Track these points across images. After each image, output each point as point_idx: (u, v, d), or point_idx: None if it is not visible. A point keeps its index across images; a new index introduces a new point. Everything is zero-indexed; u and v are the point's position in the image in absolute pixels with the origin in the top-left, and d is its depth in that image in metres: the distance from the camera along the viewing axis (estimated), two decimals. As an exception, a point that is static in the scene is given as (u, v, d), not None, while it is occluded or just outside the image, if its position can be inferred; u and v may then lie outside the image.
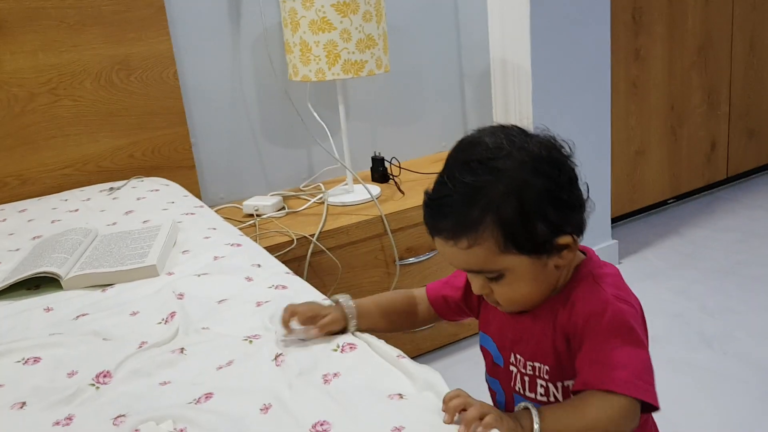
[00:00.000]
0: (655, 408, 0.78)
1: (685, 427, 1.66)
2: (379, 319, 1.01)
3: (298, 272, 1.79)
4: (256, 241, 1.75)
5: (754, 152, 3.25)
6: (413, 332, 1.99)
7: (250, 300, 1.09)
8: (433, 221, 0.84)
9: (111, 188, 1.79)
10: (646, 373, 0.78)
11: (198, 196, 2.06)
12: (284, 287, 1.14)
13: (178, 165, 2.03)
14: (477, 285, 0.87)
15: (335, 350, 0.91)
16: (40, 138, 1.85)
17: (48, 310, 1.13)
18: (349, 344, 0.92)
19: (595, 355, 0.79)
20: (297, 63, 1.89)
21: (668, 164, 2.98)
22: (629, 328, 0.80)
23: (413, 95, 2.43)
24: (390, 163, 2.20)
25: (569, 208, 0.83)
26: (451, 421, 0.74)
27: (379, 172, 2.17)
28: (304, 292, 1.12)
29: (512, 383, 0.92)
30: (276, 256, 1.63)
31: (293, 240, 1.78)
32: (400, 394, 0.80)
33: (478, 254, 0.81)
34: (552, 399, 0.88)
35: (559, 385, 0.88)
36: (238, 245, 1.35)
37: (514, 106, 2.27)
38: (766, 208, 2.96)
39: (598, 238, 2.49)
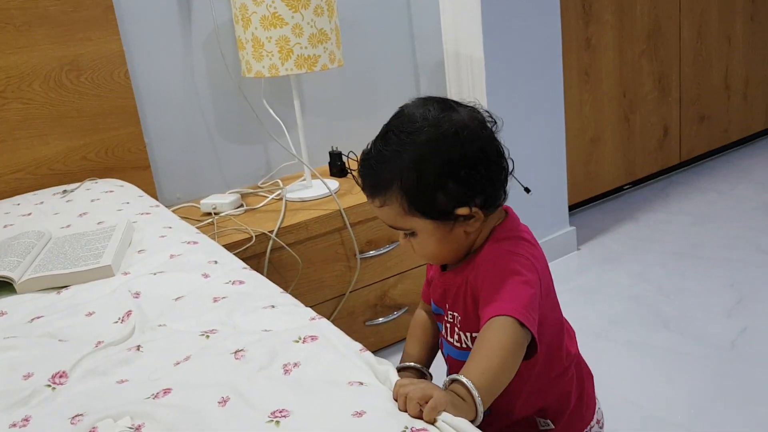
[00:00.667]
0: (534, 345, 0.89)
1: (644, 407, 1.70)
2: (432, 353, 1.12)
3: (257, 269, 1.79)
4: (214, 239, 1.74)
5: (705, 136, 3.34)
6: (375, 325, 2.00)
7: (207, 295, 1.08)
8: (359, 179, 0.98)
9: (64, 191, 1.76)
10: (529, 305, 0.88)
11: (154, 196, 2.04)
12: (242, 282, 1.13)
13: (133, 165, 2.01)
14: (400, 238, 1.00)
15: (296, 341, 0.92)
16: (-11, 142, 1.81)
17: (1, 314, 1.11)
18: (310, 336, 0.93)
19: (488, 298, 0.90)
20: (250, 59, 1.89)
21: (622, 151, 3.04)
22: (514, 270, 0.91)
23: (368, 88, 2.44)
24: (348, 157, 2.19)
25: (472, 182, 0.92)
26: (403, 408, 0.75)
27: (337, 166, 2.18)
28: (262, 288, 1.12)
29: (443, 330, 1.06)
30: (235, 254, 1.62)
31: (252, 237, 1.77)
32: (360, 382, 0.81)
33: (389, 213, 0.95)
34: (464, 346, 1.01)
35: (468, 334, 0.99)
36: (195, 243, 1.34)
37: (469, 97, 2.29)
38: (719, 191, 3.04)
39: (556, 225, 2.53)
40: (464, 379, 0.80)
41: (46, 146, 1.89)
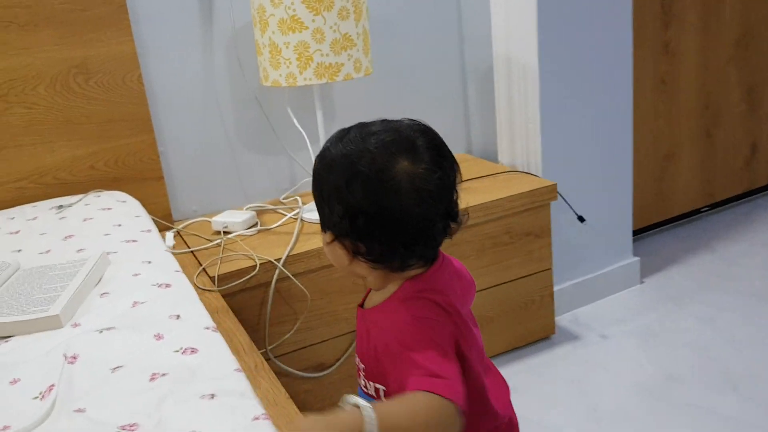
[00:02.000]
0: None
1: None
2: None
3: (263, 300, 1.61)
4: (217, 265, 1.58)
5: (799, 155, 2.95)
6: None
7: (147, 369, 0.91)
8: None
9: (60, 206, 1.63)
10: (433, 368, 0.80)
11: (167, 209, 1.90)
12: (194, 351, 0.95)
13: (145, 176, 1.87)
14: None
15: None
16: (-9, 149, 1.71)
17: (-74, 370, 0.97)
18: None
19: (404, 368, 0.81)
20: (267, 66, 1.70)
21: (701, 169, 2.71)
22: (423, 345, 0.82)
23: (408, 96, 2.22)
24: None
25: (351, 224, 0.84)
26: None
27: (367, 183, 1.97)
28: (214, 361, 0.93)
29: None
30: (237, 284, 1.53)
31: (256, 265, 1.59)
32: None
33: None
34: (373, 394, 0.92)
35: (372, 384, 0.92)
36: (167, 286, 1.17)
37: (520, 108, 2.04)
38: (812, 219, 2.67)
39: (617, 255, 2.25)
40: (369, 419, 0.71)
41: (51, 154, 1.76)
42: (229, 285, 1.55)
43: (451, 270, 0.92)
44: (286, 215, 1.87)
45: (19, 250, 1.39)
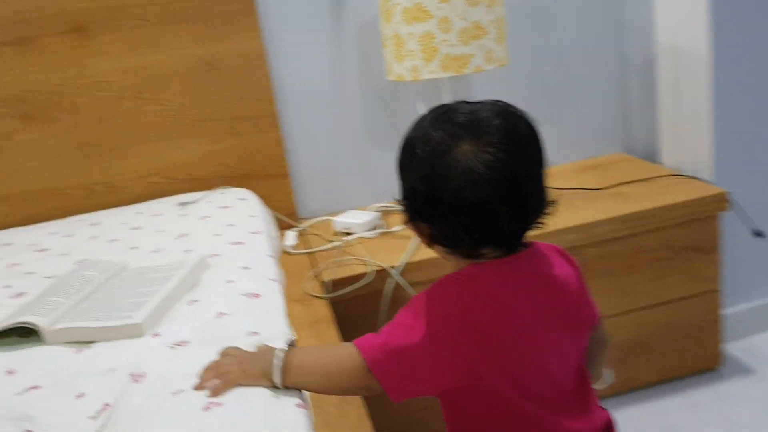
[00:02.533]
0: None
1: None
2: None
3: (375, 309, 1.50)
4: (331, 269, 1.49)
5: None
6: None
7: (203, 397, 0.82)
8: None
9: (183, 203, 1.62)
10: (387, 347, 0.80)
11: (292, 207, 1.85)
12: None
13: (271, 173, 1.83)
14: None
15: None
16: (126, 144, 1.74)
17: (10, 373, 0.96)
18: None
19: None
20: (392, 59, 1.58)
21: None
22: (407, 312, 0.83)
23: (554, 89, 2.00)
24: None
25: (405, 188, 0.86)
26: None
27: (503, 185, 1.79)
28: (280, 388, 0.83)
29: None
30: (349, 291, 1.46)
31: (367, 272, 1.49)
32: None
33: None
34: None
35: None
36: (256, 296, 1.09)
37: (687, 103, 1.76)
38: None
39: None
40: (279, 353, 0.81)
41: (182, 150, 1.78)
42: (339, 293, 1.46)
43: (527, 268, 0.85)
44: (411, 218, 1.75)
45: (136, 247, 1.39)
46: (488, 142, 0.78)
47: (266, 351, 0.82)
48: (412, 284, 1.50)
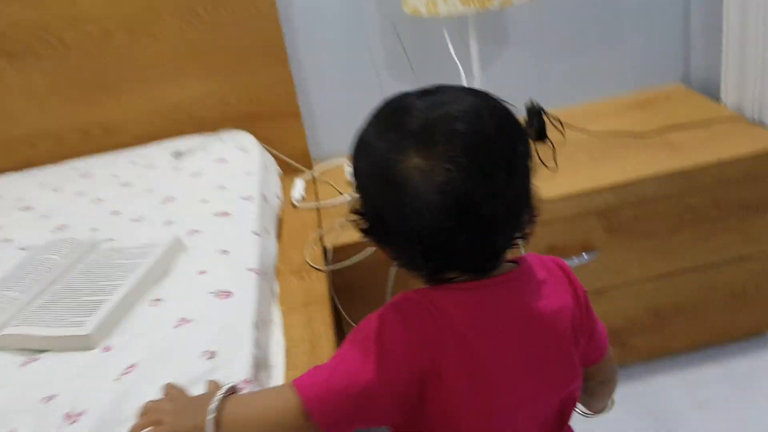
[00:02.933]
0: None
1: None
2: None
3: (383, 279, 1.37)
4: (335, 232, 1.36)
5: None
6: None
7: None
8: None
9: (177, 153, 1.49)
10: (330, 388, 0.66)
11: (304, 149, 1.71)
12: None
13: (280, 112, 1.67)
14: None
15: None
16: (121, 82, 1.60)
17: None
18: None
19: None
20: (405, -10, 1.36)
21: None
22: (355, 344, 0.68)
23: (607, 10, 1.73)
24: (548, 117, 1.60)
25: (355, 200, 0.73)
26: None
27: (535, 127, 1.59)
28: None
29: None
30: (349, 262, 1.31)
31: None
32: None
33: None
34: None
35: None
36: (227, 295, 0.97)
37: (755, 35, 1.49)
38: None
39: None
40: (213, 406, 0.68)
41: (181, 88, 1.63)
42: (339, 265, 1.33)
43: (503, 297, 0.70)
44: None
45: (118, 212, 1.29)
46: (441, 155, 0.64)
47: (205, 400, 0.70)
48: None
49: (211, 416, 0.68)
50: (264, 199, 1.31)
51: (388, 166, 0.66)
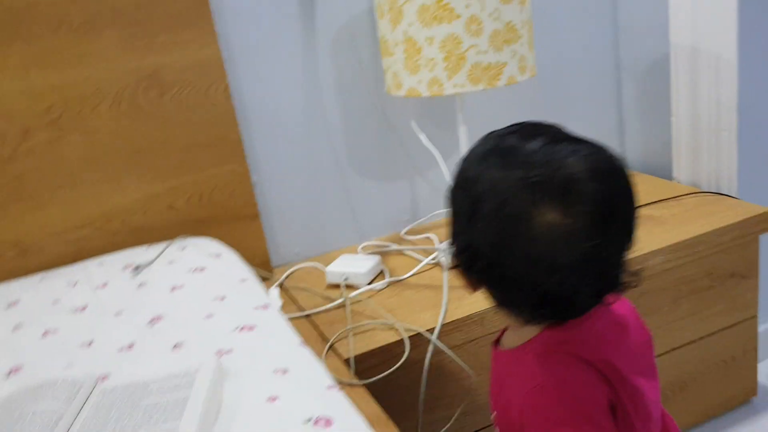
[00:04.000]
0: None
1: None
2: None
3: (411, 383, 1.19)
4: (349, 339, 1.16)
5: None
6: None
7: None
8: None
9: (136, 267, 1.22)
10: None
11: (264, 255, 1.50)
12: None
13: (237, 215, 1.46)
14: None
15: None
16: (42, 189, 1.31)
17: None
18: None
19: None
20: (400, 71, 1.27)
21: None
22: (567, 412, 0.68)
23: (552, 99, 1.77)
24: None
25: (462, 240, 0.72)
26: None
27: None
28: None
29: None
30: (385, 370, 1.07)
31: (403, 341, 1.17)
32: None
33: None
34: None
35: None
36: (327, 422, 0.75)
37: (708, 110, 1.58)
38: None
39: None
40: None
41: (119, 193, 1.36)
42: (379, 377, 1.13)
43: (608, 318, 0.75)
44: (420, 259, 1.45)
45: (90, 343, 0.99)
46: (580, 214, 0.64)
47: None
48: (451, 347, 1.19)
49: None
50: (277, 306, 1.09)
51: (522, 218, 0.65)
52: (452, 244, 0.74)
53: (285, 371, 0.85)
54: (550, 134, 0.69)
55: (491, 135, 0.73)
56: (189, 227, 1.42)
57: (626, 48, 1.79)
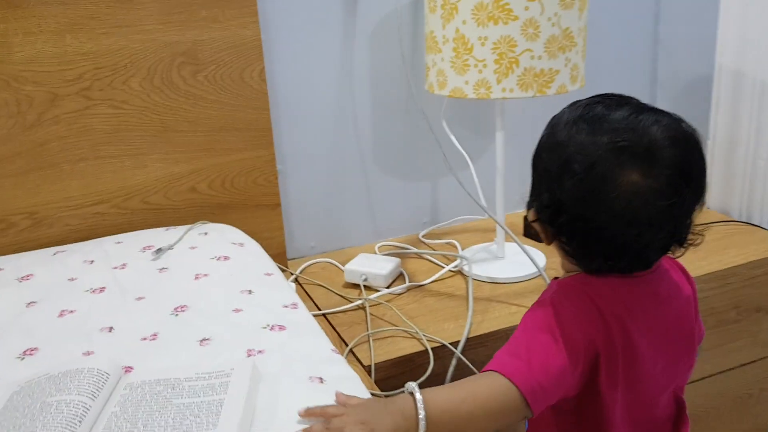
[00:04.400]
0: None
1: None
2: None
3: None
4: (369, 344, 1.12)
5: None
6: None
7: None
8: None
9: (158, 250, 1.17)
10: (522, 349, 0.77)
11: (281, 246, 1.45)
12: None
13: (258, 203, 1.41)
14: None
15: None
16: (64, 160, 1.26)
17: None
18: None
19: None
20: (447, 69, 1.22)
21: None
22: (533, 326, 0.79)
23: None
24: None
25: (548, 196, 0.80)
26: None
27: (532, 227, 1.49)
28: None
29: None
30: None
31: (428, 351, 1.13)
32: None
33: None
34: None
35: None
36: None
37: (747, 137, 1.55)
38: None
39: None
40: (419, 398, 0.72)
41: (141, 170, 1.32)
42: (399, 391, 1.09)
43: (647, 290, 0.82)
44: (441, 266, 1.41)
45: (111, 328, 0.94)
46: (657, 175, 0.73)
47: (390, 402, 0.74)
48: (473, 362, 1.16)
49: (422, 410, 0.71)
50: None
51: (609, 177, 0.74)
52: (535, 200, 0.82)
53: (321, 380, 0.81)
54: (633, 105, 0.78)
55: (578, 104, 0.81)
56: (208, 212, 1.37)
57: (665, 63, 1.75)
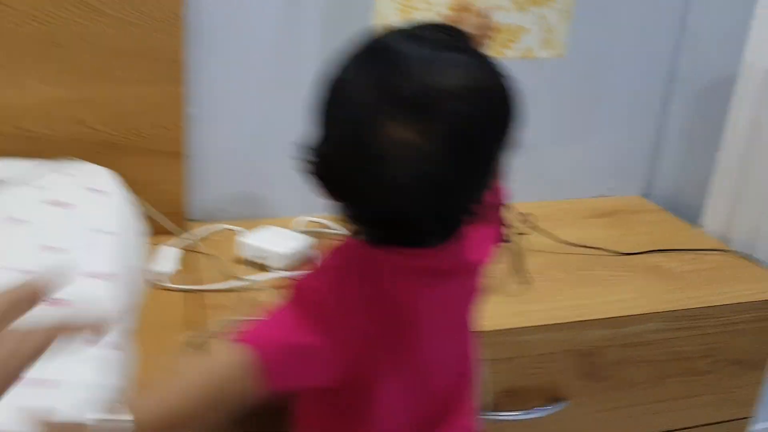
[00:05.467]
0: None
1: None
2: None
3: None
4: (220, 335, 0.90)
5: None
6: None
7: None
8: None
9: (-3, 182, 0.97)
10: (263, 325, 0.67)
11: (178, 205, 1.23)
12: None
13: (159, 148, 1.19)
14: None
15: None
16: None
17: None
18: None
19: None
20: (388, 10, 0.98)
21: None
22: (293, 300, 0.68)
23: (584, 93, 1.44)
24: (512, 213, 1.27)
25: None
26: None
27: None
28: None
29: None
30: None
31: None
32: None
33: None
34: None
35: None
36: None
37: (764, 154, 1.28)
38: None
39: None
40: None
41: (19, 91, 1.11)
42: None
43: (430, 266, 0.69)
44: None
45: None
46: (430, 131, 0.59)
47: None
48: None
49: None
50: (126, 277, 0.83)
51: (373, 133, 0.60)
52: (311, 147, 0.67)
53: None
54: (441, 41, 0.63)
55: (381, 31, 0.65)
56: (94, 150, 1.15)
57: (688, 57, 1.47)
